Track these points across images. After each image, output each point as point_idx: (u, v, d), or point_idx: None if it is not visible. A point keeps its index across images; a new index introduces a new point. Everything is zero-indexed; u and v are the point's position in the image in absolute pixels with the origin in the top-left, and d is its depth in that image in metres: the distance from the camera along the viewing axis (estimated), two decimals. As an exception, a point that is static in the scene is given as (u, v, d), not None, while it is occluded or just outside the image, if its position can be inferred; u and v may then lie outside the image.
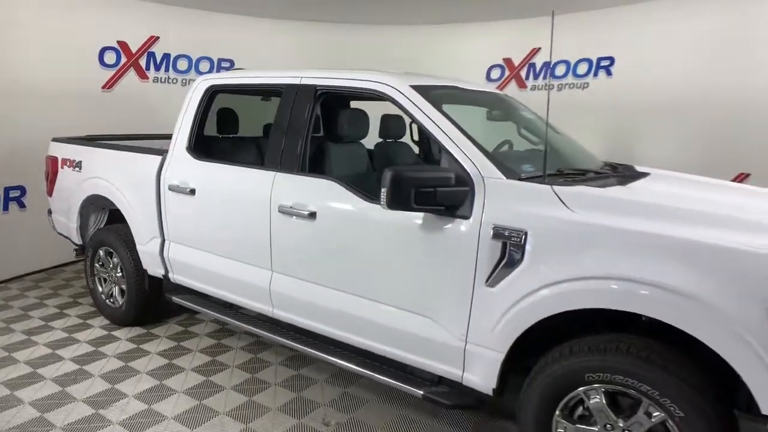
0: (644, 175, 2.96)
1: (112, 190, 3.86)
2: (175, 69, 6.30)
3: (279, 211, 2.89)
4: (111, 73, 5.80)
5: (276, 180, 2.94)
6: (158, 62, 6.16)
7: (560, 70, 6.94)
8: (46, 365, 3.51)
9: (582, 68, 6.74)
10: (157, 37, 6.11)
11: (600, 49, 6.53)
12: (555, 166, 2.72)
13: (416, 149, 4.24)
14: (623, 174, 2.88)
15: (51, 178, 4.43)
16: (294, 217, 2.83)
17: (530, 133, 3.62)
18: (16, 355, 3.63)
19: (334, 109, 3.32)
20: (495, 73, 7.38)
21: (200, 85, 3.51)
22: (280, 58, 6.92)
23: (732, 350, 1.81)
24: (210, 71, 6.58)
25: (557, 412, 2.20)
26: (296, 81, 3.05)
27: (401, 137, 3.70)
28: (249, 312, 3.37)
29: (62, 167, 4.31)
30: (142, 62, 6.03)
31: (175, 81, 6.30)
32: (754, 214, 2.18)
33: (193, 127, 3.46)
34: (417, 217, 2.43)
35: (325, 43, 7.10)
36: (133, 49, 5.93)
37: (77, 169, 4.16)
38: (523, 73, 7.21)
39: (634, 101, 6.21)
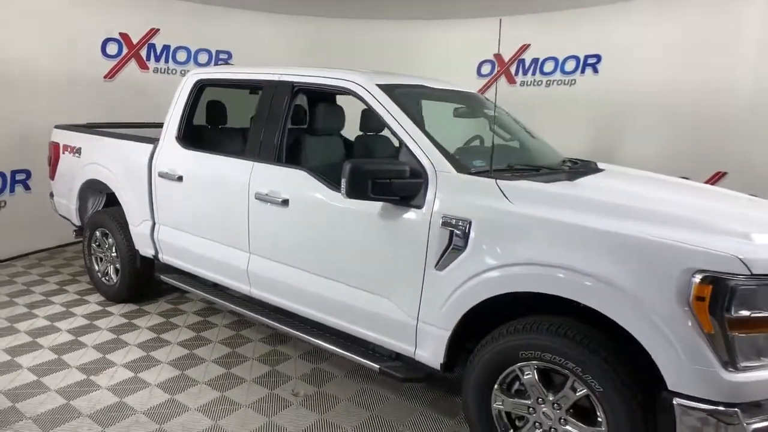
0: (598, 171, 3.16)
1: (108, 175, 4.12)
2: (174, 60, 6.54)
3: (256, 198, 3.13)
4: (113, 63, 6.05)
5: (254, 169, 3.18)
6: (158, 53, 6.40)
7: (549, 66, 7.10)
8: (44, 335, 3.79)
9: (570, 65, 6.90)
10: (158, 30, 6.34)
11: (587, 46, 6.68)
12: (518, 161, 2.96)
13: (396, 142, 4.45)
14: (577, 170, 3.08)
15: (53, 162, 4.70)
16: (269, 203, 3.07)
17: (502, 129, 3.82)
18: (18, 326, 3.91)
19: (314, 103, 3.54)
20: (485, 69, 7.56)
21: (190, 78, 3.74)
22: (276, 50, 7.14)
23: (643, 331, 2.02)
24: (208, 63, 6.81)
25: (496, 386, 2.42)
26: (275, 77, 3.27)
27: (381, 131, 3.91)
28: (233, 292, 3.62)
29: (63, 153, 4.58)
30: (143, 53, 6.28)
31: (174, 72, 6.53)
32: (682, 210, 2.37)
33: (182, 118, 3.70)
34: (376, 206, 2.65)
35: (320, 37, 7.31)
36: (135, 41, 6.17)
37: (77, 154, 4.42)
38: (512, 69, 7.37)
39: (618, 98, 6.38)
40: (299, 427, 2.84)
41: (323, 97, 3.64)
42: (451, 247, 2.45)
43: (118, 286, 4.29)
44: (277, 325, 3.28)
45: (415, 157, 2.62)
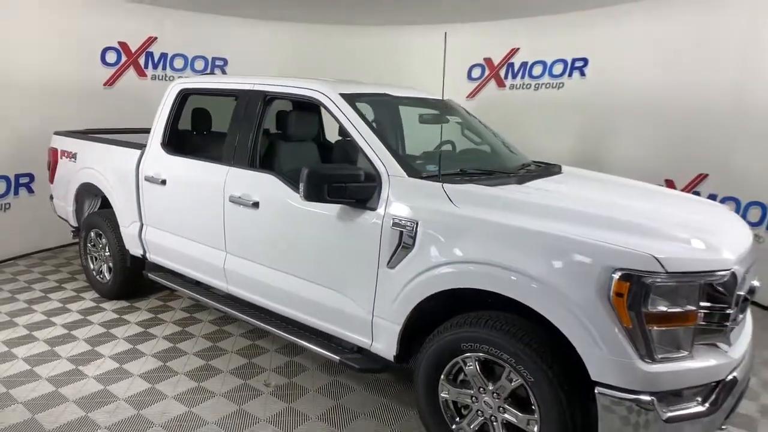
0: (555, 174, 3.31)
1: (100, 179, 4.35)
2: (171, 67, 6.78)
3: (230, 201, 3.32)
4: (112, 71, 6.31)
5: (229, 173, 3.38)
6: (156, 61, 6.65)
7: (537, 70, 7.23)
8: (40, 329, 4.02)
9: (558, 68, 7.03)
10: (155, 38, 6.59)
11: (575, 50, 6.80)
12: (480, 165, 3.15)
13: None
14: (532, 173, 3.22)
15: (52, 167, 4.95)
16: (241, 206, 3.27)
17: (472, 134, 3.99)
18: (17, 320, 4.16)
19: (289, 111, 3.73)
20: (476, 72, 7.70)
21: (174, 88, 3.95)
22: (272, 57, 7.36)
23: (569, 325, 2.17)
24: (204, 69, 7.05)
25: (442, 377, 2.59)
26: (249, 87, 3.47)
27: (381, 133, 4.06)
28: (215, 290, 3.81)
29: (61, 158, 4.82)
30: (141, 61, 6.53)
31: (172, 78, 6.75)
32: (615, 212, 2.50)
33: (166, 125, 3.91)
34: (335, 208, 2.83)
35: (314, 43, 7.51)
36: (133, 49, 6.42)
37: (73, 159, 4.66)
38: (502, 73, 7.51)
39: (604, 102, 6.49)
40: (267, 414, 3.03)
41: (299, 106, 3.82)
42: (401, 246, 2.62)
43: (110, 283, 4.52)
44: (252, 320, 3.47)
45: (371, 162, 2.80)
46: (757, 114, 5.03)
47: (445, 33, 2.79)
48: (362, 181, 2.70)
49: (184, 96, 3.94)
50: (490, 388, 2.46)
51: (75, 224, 4.89)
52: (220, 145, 4.12)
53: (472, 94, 7.80)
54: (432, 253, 2.52)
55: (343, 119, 2.97)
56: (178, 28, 6.73)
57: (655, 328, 2.09)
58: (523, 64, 7.36)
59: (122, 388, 3.25)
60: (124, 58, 6.37)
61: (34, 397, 3.14)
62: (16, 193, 5.64)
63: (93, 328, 4.08)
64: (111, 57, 6.28)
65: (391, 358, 2.76)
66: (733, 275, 2.18)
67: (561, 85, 7.01)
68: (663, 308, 2.09)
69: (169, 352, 3.73)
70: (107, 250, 4.49)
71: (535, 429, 2.33)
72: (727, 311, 2.17)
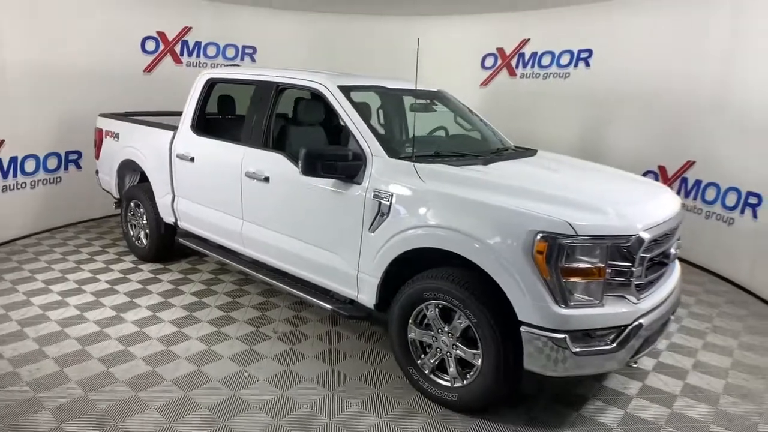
0: (527, 156, 3.82)
1: (139, 156, 5.04)
2: (205, 55, 7.44)
3: (245, 176, 3.94)
4: (151, 58, 7.00)
5: (245, 153, 4.00)
6: (191, 49, 7.32)
7: (546, 60, 7.63)
8: (88, 283, 4.76)
9: (565, 59, 7.41)
10: (190, 28, 7.25)
11: (581, 41, 7.17)
12: (458, 149, 3.71)
13: (382, 130, 5.17)
14: (504, 156, 3.74)
15: (98, 145, 5.67)
16: (255, 180, 3.88)
17: (463, 121, 4.52)
18: (68, 276, 4.91)
19: (301, 99, 4.31)
20: (489, 62, 8.13)
21: (202, 77, 4.58)
22: (298, 45, 7.96)
23: (502, 277, 2.71)
24: (235, 57, 7.70)
25: (410, 321, 3.17)
26: (264, 78, 4.07)
27: (369, 120, 4.63)
28: (237, 254, 4.42)
29: (106, 137, 5.53)
30: (177, 49, 7.20)
31: (205, 65, 7.44)
32: (550, 188, 3.00)
33: (195, 110, 4.55)
34: (329, 182, 3.41)
35: (336, 32, 8.08)
36: (170, 38, 7.10)
37: (116, 138, 5.36)
38: (513, 63, 7.91)
39: (606, 91, 6.89)
40: (273, 353, 3.67)
41: (311, 94, 4.38)
42: (379, 214, 3.19)
43: (147, 248, 5.24)
44: (263, 277, 4.10)
45: (359, 143, 3.37)
46: (737, 105, 5.36)
47: (418, 39, 3.34)
48: (350, 159, 3.28)
49: (211, 84, 4.56)
50: (446, 329, 3.02)
51: (117, 196, 5.61)
52: (240, 127, 4.77)
53: (485, 82, 8.25)
54: (402, 219, 3.08)
55: (338, 107, 3.54)
56: (211, 19, 7.38)
57: (569, 280, 2.62)
58: (533, 54, 7.76)
59: (155, 331, 3.94)
60: (162, 47, 7.06)
61: (83, 334, 3.84)
62: (66, 168, 6.40)
63: (131, 284, 4.79)
64: (150, 45, 6.97)
65: (372, 307, 3.35)
66: (638, 240, 2.68)
67: (567, 75, 7.41)
68: (575, 264, 2.61)
69: (195, 305, 4.40)
70: (144, 219, 5.19)
71: (479, 362, 2.88)
72: (632, 269, 2.68)
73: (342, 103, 3.54)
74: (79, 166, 6.53)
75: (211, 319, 4.15)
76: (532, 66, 7.80)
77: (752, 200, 5.13)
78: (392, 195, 3.14)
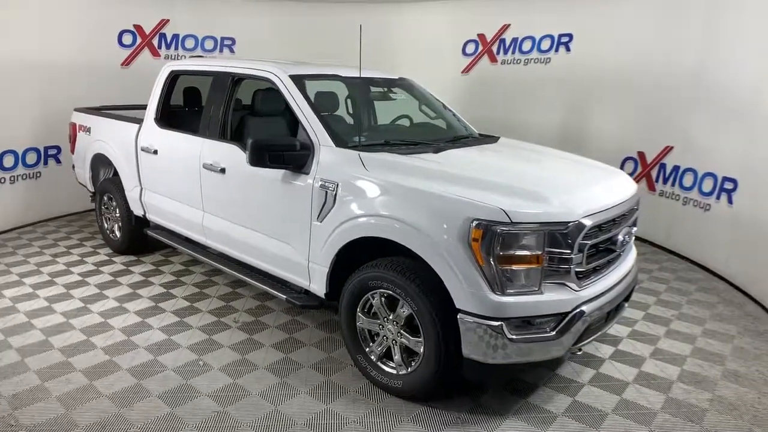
0: (486, 143, 3.80)
1: (108, 149, 5.06)
2: (183, 47, 7.43)
3: (203, 167, 3.95)
4: (128, 52, 7.00)
5: (203, 144, 4.00)
6: (168, 42, 7.31)
7: (527, 45, 7.56)
8: (60, 276, 4.80)
9: (545, 44, 7.34)
10: (167, 20, 7.23)
11: (561, 25, 7.09)
12: (422, 137, 3.72)
13: (350, 120, 5.16)
14: (458, 143, 3.72)
15: (72, 139, 5.70)
16: (212, 171, 3.89)
17: (429, 110, 4.50)
18: (42, 269, 4.95)
19: (258, 90, 4.29)
20: (470, 48, 8.05)
21: (165, 70, 4.58)
22: (277, 35, 7.89)
23: (439, 265, 2.70)
24: (214, 49, 7.67)
25: (358, 310, 3.17)
26: (221, 69, 4.06)
27: (335, 111, 4.61)
28: (209, 248, 4.43)
29: (79, 131, 5.56)
30: (155, 42, 7.19)
31: (183, 57, 7.41)
32: (492, 175, 2.98)
33: (159, 102, 4.55)
34: (280, 173, 3.41)
35: (316, 21, 8.00)
36: (147, 31, 7.09)
37: (88, 133, 5.38)
38: (494, 48, 7.84)
39: (586, 76, 6.83)
40: (231, 342, 3.70)
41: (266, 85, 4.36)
42: (326, 203, 3.18)
43: (120, 241, 5.27)
44: (225, 268, 4.11)
45: (307, 133, 3.36)
46: (714, 89, 5.30)
47: (360, 25, 3.29)
48: (298, 149, 3.27)
49: (174, 77, 4.56)
50: (391, 317, 3.02)
51: (92, 190, 5.64)
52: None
53: (467, 69, 8.18)
54: (347, 209, 3.08)
55: (288, 97, 3.53)
56: (188, 11, 7.35)
57: (506, 267, 2.61)
58: (514, 40, 7.68)
59: (119, 321, 3.98)
60: (139, 40, 7.05)
61: (48, 326, 3.89)
62: (46, 163, 6.44)
63: (103, 276, 4.83)
64: (127, 39, 6.96)
65: (323, 296, 3.36)
66: (578, 227, 2.66)
67: (548, 60, 7.33)
68: (511, 252, 2.60)
69: (162, 296, 4.43)
70: (117, 212, 5.22)
71: (421, 349, 2.89)
72: (571, 256, 2.66)
73: (292, 93, 3.53)
74: (58, 161, 6.57)
75: (175, 310, 4.18)
76: (513, 52, 7.72)
77: (728, 185, 5.07)
78: (337, 184, 3.13)
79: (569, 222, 2.65)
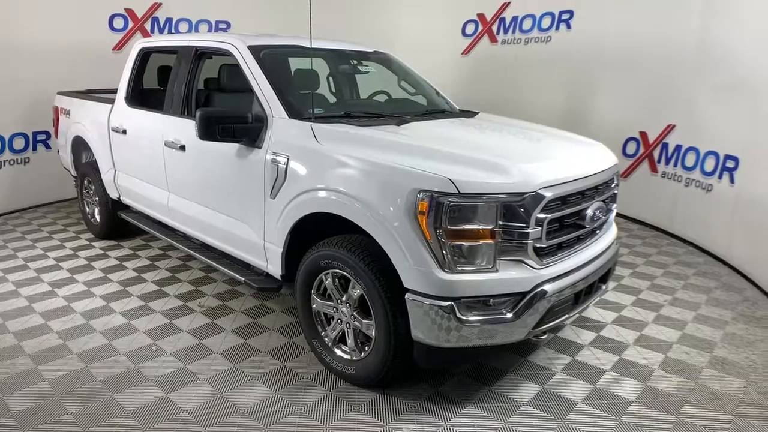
0: (462, 118, 3.58)
1: (84, 131, 4.96)
2: (177, 31, 7.29)
3: (165, 145, 3.80)
4: (120, 36, 6.89)
5: (166, 121, 3.85)
6: (161, 26, 7.18)
7: (527, 24, 7.26)
8: (35, 260, 4.73)
9: (546, 22, 7.04)
10: (160, 4, 7.11)
11: (561, 1, 6.76)
12: (394, 111, 3.55)
13: (333, 99, 4.95)
14: (426, 116, 3.51)
15: (55, 123, 5.62)
16: (173, 149, 3.73)
17: (408, 85, 4.28)
18: (19, 254, 4.89)
19: (222, 65, 4.11)
20: (470, 29, 7.78)
21: (135, 48, 4.44)
22: (273, 17, 7.71)
23: (386, 241, 2.49)
24: (209, 32, 7.52)
25: (312, 292, 2.99)
26: (184, 43, 3.89)
27: (316, 89, 4.41)
28: (177, 231, 4.29)
29: (61, 114, 5.47)
30: (147, 26, 7.07)
31: (175, 42, 7.28)
32: (450, 146, 2.73)
33: (129, 81, 4.42)
34: (234, 147, 3.23)
35: (313, 3, 7.79)
36: (139, 15, 6.97)
37: (68, 115, 5.29)
38: (494, 28, 7.55)
39: (588, 54, 6.52)
40: (191, 327, 3.55)
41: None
42: (278, 178, 3.00)
43: (99, 225, 5.17)
44: (193, 252, 3.95)
45: (261, 105, 3.17)
46: (716, 66, 4.97)
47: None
48: (249, 122, 3.09)
49: (144, 54, 4.41)
50: (343, 298, 2.83)
51: (75, 174, 5.56)
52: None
53: (467, 51, 7.91)
54: (297, 183, 2.89)
55: (245, 67, 3.35)
56: (182, -6, 7.22)
57: (455, 242, 2.38)
58: (514, 19, 7.39)
59: (82, 305, 3.86)
60: (131, 24, 6.94)
61: (8, 309, 3.79)
62: (35, 148, 6.39)
63: (78, 261, 4.74)
64: (118, 23, 6.86)
65: (280, 277, 3.18)
66: (535, 198, 2.42)
67: (549, 38, 7.03)
68: (461, 225, 2.37)
69: (133, 280, 4.32)
70: (95, 196, 5.13)
71: (373, 332, 2.69)
72: (527, 231, 2.42)
73: (248, 63, 3.35)
74: (48, 146, 6.51)
75: (142, 294, 4.06)
76: (513, 31, 7.43)
77: (729, 164, 4.74)
78: (288, 158, 2.94)
79: (525, 193, 2.42)
